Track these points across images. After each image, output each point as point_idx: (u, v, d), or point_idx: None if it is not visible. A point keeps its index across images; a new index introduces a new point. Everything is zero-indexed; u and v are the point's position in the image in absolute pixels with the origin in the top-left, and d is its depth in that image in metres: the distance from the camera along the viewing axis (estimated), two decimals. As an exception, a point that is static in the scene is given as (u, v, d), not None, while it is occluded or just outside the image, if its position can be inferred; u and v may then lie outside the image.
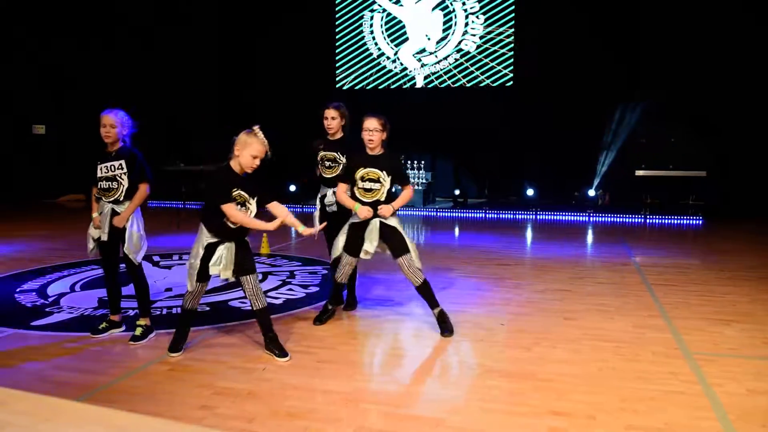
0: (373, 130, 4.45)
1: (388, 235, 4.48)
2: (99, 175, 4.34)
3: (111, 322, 4.54)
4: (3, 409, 1.26)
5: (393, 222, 4.48)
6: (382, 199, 4.47)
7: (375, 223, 4.47)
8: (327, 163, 5.07)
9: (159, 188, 16.21)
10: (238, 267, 3.98)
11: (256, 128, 3.93)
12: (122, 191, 4.34)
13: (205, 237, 3.93)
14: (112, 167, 4.33)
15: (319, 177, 5.19)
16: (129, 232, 4.33)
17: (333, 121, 5.00)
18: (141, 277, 4.45)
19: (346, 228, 4.62)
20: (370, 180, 4.45)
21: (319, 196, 5.18)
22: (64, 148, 15.74)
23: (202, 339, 4.43)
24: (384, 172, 4.46)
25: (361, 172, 4.48)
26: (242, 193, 3.92)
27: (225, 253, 3.92)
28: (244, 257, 4.01)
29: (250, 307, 4.15)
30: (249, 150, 3.86)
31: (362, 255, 4.52)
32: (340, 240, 4.62)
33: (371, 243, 4.46)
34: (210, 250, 3.93)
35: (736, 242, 9.32)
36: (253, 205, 3.98)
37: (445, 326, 4.51)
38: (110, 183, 4.33)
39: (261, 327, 4.11)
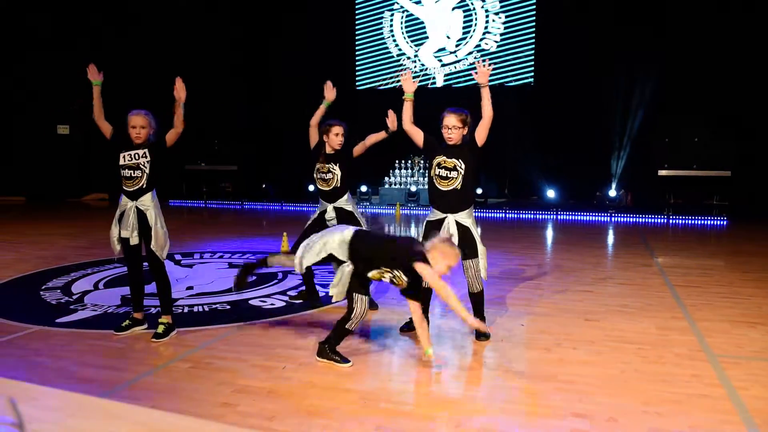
0: (452, 128, 4.31)
1: (461, 235, 4.36)
2: (122, 162, 4.39)
3: (134, 320, 4.59)
4: (31, 404, 1.28)
5: (467, 222, 4.36)
6: (459, 188, 4.32)
7: (450, 222, 4.37)
8: (321, 175, 5.17)
9: (180, 187, 16.42)
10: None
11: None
12: (145, 179, 4.39)
13: None
14: (136, 155, 4.38)
15: (317, 191, 5.30)
16: (154, 229, 4.38)
17: (343, 138, 5.10)
18: (164, 275, 4.50)
19: (422, 227, 4.55)
20: (446, 168, 4.34)
21: (320, 210, 5.26)
22: (88, 148, 15.98)
23: (223, 337, 4.46)
24: (460, 160, 4.32)
25: (437, 159, 4.39)
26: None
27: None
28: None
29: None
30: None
31: None
32: None
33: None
34: None
35: (761, 243, 9.16)
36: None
37: (481, 333, 4.40)
38: (132, 171, 4.37)
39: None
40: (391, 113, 5.04)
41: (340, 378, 3.67)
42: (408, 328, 4.63)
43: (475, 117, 4.41)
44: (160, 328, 4.42)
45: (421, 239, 4.51)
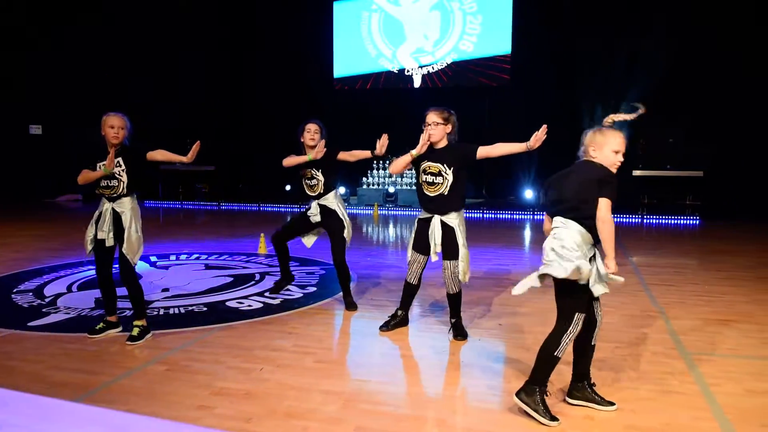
0: (432, 124, 4.29)
1: (445, 234, 4.33)
2: None
3: (108, 323, 4.53)
4: (1, 409, 1.26)
5: (453, 223, 4.30)
6: (446, 193, 4.29)
7: (436, 222, 4.33)
8: (306, 182, 5.19)
9: (156, 188, 16.24)
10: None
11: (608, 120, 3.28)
12: (123, 187, 4.34)
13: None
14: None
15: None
16: (128, 233, 4.32)
17: (316, 134, 5.06)
18: (134, 280, 4.41)
19: (414, 225, 4.51)
20: (432, 174, 4.29)
21: (304, 208, 5.30)
22: (61, 149, 15.73)
23: (200, 339, 4.42)
24: (445, 165, 4.29)
25: (423, 165, 4.34)
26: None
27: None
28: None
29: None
30: (609, 146, 3.14)
31: (433, 257, 4.39)
32: (411, 240, 4.53)
33: (435, 243, 4.33)
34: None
35: (733, 242, 9.33)
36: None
37: (458, 332, 4.47)
38: (109, 181, 4.32)
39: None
40: (383, 138, 4.67)
41: (319, 379, 3.66)
42: (387, 327, 4.63)
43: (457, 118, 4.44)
44: (135, 331, 4.36)
45: (413, 238, 4.49)
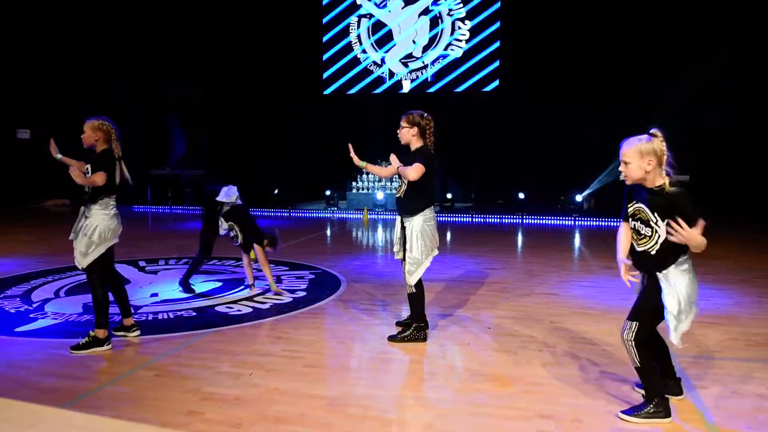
0: (399, 129, 4.43)
1: (403, 234, 4.57)
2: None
3: (123, 327, 4.51)
4: (-13, 416, 1.25)
5: (414, 224, 4.36)
6: (402, 196, 4.43)
7: (398, 222, 4.51)
8: None
9: (145, 192, 16.15)
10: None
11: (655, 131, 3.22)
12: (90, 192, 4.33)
13: None
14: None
15: None
16: (80, 235, 4.31)
17: None
18: (92, 286, 4.30)
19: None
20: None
21: None
22: (49, 153, 15.62)
23: (189, 344, 4.40)
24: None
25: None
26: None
27: None
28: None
29: None
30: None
31: None
32: None
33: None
34: None
35: (719, 246, 9.40)
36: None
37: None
38: (85, 186, 4.34)
39: None
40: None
41: (308, 384, 3.65)
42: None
43: (439, 120, 4.50)
44: (83, 339, 4.25)
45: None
